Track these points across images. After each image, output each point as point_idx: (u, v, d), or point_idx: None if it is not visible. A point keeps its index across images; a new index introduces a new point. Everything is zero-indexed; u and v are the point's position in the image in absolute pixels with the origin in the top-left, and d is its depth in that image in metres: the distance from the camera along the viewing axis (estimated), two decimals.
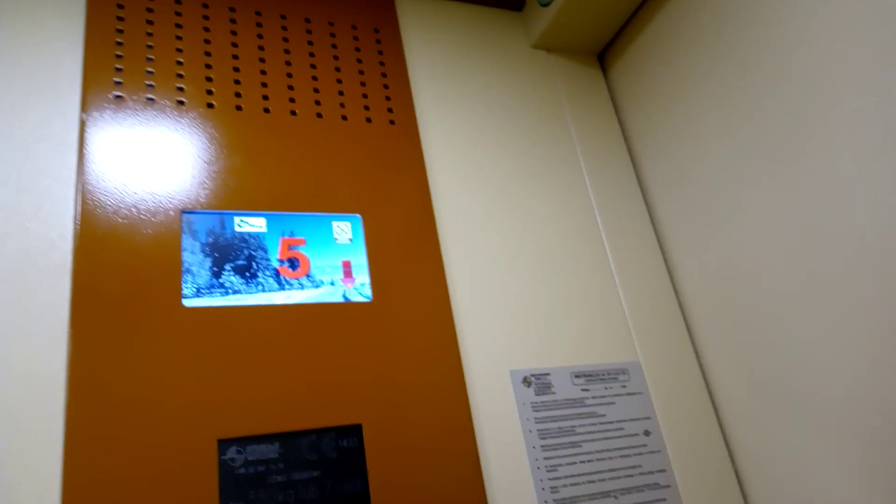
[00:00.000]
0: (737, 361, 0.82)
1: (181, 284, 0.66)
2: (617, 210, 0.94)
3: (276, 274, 0.71)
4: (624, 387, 0.81)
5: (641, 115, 0.99)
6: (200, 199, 0.71)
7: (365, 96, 0.86)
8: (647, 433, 0.79)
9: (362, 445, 0.66)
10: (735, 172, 0.82)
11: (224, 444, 0.61)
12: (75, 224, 0.65)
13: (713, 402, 0.85)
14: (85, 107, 0.71)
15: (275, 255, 0.72)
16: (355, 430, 0.66)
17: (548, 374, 0.78)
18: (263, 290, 0.70)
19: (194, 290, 0.67)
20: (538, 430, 0.74)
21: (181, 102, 0.75)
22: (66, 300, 0.63)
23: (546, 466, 0.72)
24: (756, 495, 0.78)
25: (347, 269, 0.74)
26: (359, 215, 0.77)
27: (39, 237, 0.64)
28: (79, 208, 0.66)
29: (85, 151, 0.69)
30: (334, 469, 0.64)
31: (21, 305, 0.61)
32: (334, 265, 0.74)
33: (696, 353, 0.88)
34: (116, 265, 0.65)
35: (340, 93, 0.84)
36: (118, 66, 0.74)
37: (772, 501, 0.77)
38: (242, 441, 0.62)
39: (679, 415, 0.82)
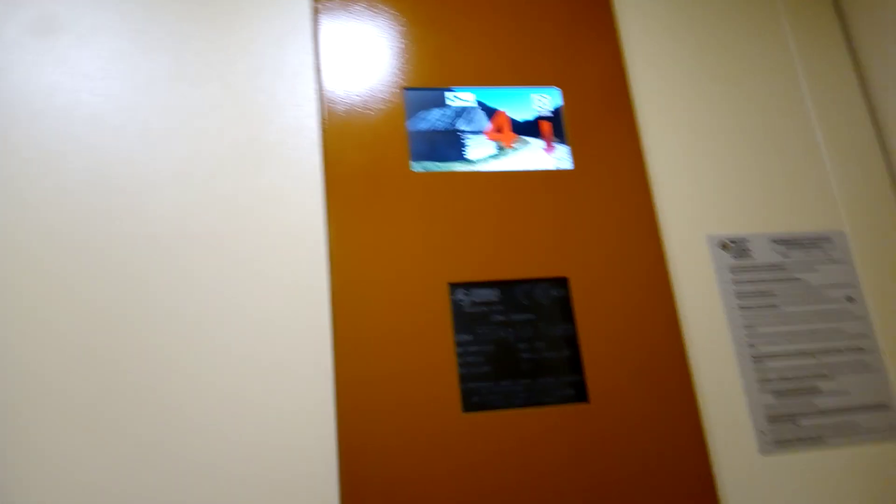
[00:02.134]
0: None
1: (408, 153, 0.76)
2: (823, 73, 0.89)
3: (486, 143, 0.78)
4: (827, 255, 0.80)
5: None
6: (418, 77, 0.79)
7: None
8: (849, 299, 0.78)
9: (569, 295, 0.73)
10: None
11: (454, 287, 0.72)
12: (321, 104, 0.76)
13: None
14: None
15: (484, 126, 0.79)
16: (563, 283, 0.74)
17: (746, 240, 0.79)
18: (476, 158, 0.77)
19: (419, 157, 0.76)
20: (736, 292, 0.77)
21: None
22: (318, 168, 0.74)
23: (744, 325, 0.76)
24: None
25: (549, 139, 0.79)
26: (557, 87, 0.81)
27: (294, 116, 0.76)
28: (322, 90, 0.77)
29: (319, 38, 0.79)
30: (546, 314, 0.72)
31: (286, 173, 0.74)
32: (536, 135, 0.79)
33: None
34: (356, 138, 0.75)
35: None
36: None
37: None
38: (468, 285, 0.72)
39: (886, 283, 0.80)
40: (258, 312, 0.68)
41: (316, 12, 0.80)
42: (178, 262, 0.68)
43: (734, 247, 0.79)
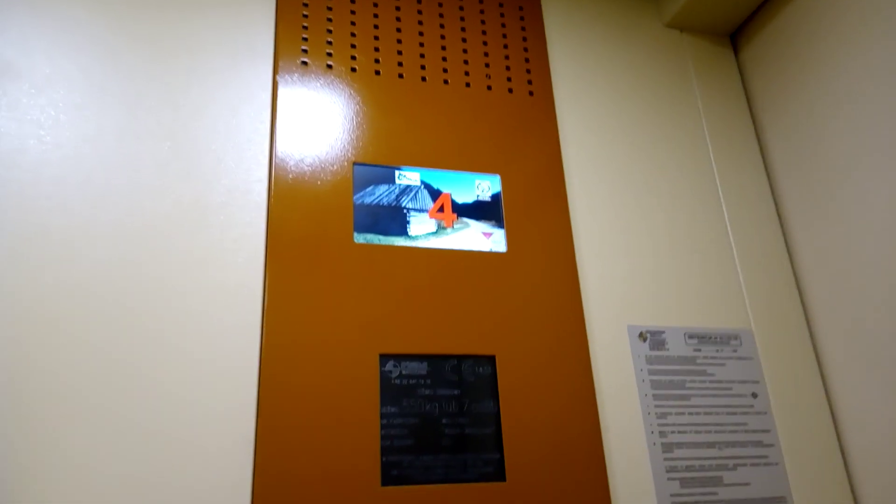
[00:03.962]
0: (850, 336, 0.85)
1: (352, 224, 0.78)
2: (739, 184, 0.98)
3: (428, 221, 0.82)
4: (735, 351, 0.86)
5: (769, 95, 1.01)
6: (368, 154, 0.83)
7: (508, 69, 0.94)
8: (754, 395, 0.84)
9: (495, 373, 0.76)
10: (860, 156, 0.84)
11: (384, 358, 0.73)
12: (271, 170, 0.79)
13: (822, 373, 0.88)
14: (277, 71, 0.84)
15: (427, 205, 0.83)
16: (490, 360, 0.77)
17: (663, 332, 0.85)
18: (417, 235, 0.81)
19: (362, 229, 0.79)
20: (651, 381, 0.81)
21: (354, 70, 0.87)
22: (262, 232, 0.76)
23: (656, 413, 0.80)
24: (858, 463, 0.82)
25: (487, 222, 0.84)
26: (498, 175, 0.87)
27: (243, 179, 0.78)
28: (273, 157, 0.79)
29: (277, 108, 0.82)
30: (472, 390, 0.75)
31: (229, 234, 0.75)
32: (476, 218, 0.84)
33: (809, 325, 0.91)
34: (302, 206, 0.78)
35: (487, 65, 0.93)
36: (304, 36, 0.87)
37: (874, 468, 0.80)
38: (398, 357, 0.74)
39: (787, 382, 0.86)
40: (186, 369, 0.67)
41: (276, 83, 0.84)
42: (109, 314, 0.67)
43: (651, 338, 0.84)
